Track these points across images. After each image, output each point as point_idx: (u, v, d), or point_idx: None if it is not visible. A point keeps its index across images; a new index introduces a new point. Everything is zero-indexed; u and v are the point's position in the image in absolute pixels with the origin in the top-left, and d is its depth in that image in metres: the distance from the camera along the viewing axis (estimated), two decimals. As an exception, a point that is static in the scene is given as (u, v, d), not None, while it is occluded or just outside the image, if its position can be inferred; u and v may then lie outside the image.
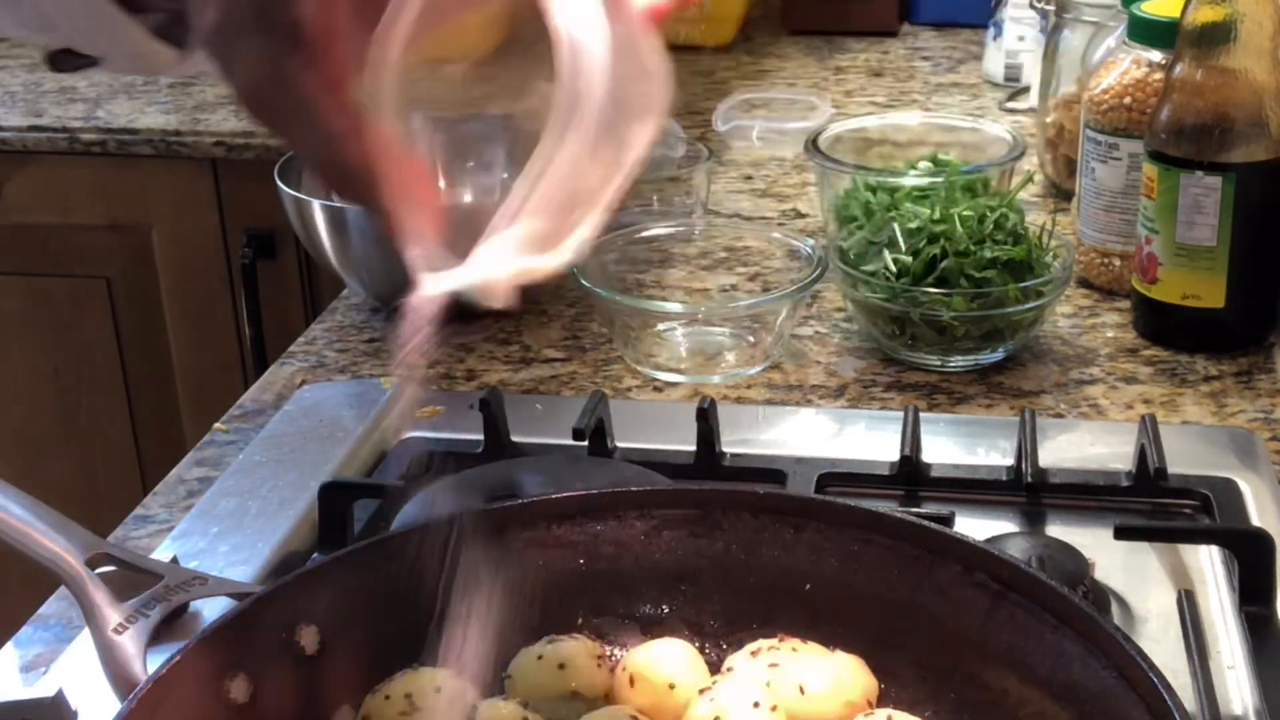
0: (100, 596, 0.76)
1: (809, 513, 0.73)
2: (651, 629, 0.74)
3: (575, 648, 0.71)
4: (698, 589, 0.74)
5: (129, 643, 0.73)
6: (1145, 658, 0.61)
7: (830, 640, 0.71)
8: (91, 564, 0.78)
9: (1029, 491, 0.92)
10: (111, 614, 0.75)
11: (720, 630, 0.74)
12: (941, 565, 0.69)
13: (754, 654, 0.71)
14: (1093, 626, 0.63)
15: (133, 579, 0.78)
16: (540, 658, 0.71)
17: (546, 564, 0.73)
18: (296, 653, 0.67)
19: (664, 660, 0.70)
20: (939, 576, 0.69)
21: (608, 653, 0.73)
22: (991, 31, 1.73)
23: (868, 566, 0.71)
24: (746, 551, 0.73)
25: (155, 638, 0.74)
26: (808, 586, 0.72)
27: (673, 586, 0.74)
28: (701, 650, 0.73)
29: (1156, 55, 1.15)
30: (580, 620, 0.74)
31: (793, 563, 0.72)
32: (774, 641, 0.71)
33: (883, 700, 0.70)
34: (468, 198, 1.33)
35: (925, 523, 0.71)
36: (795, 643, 0.71)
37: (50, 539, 0.79)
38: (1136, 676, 0.60)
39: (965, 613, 0.68)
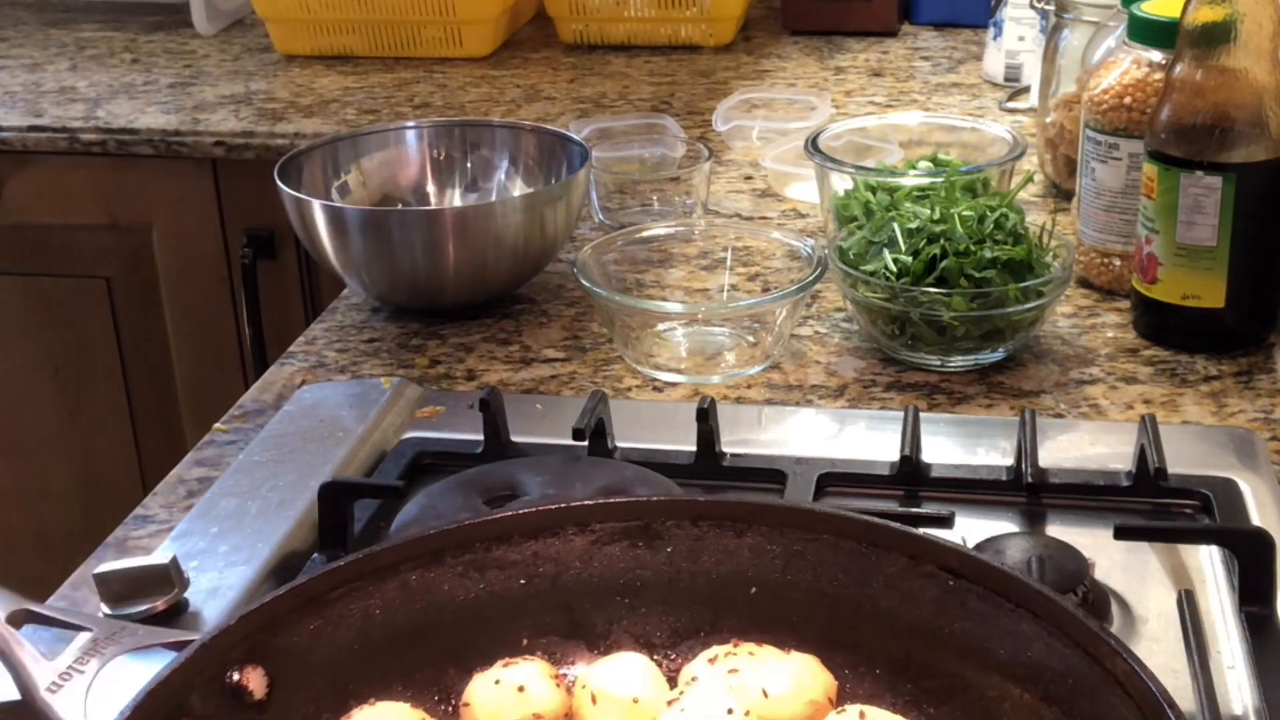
0: (27, 655, 0.72)
1: (749, 516, 0.72)
2: (599, 645, 0.74)
3: (532, 669, 0.70)
4: (642, 601, 0.73)
5: (66, 702, 0.70)
6: (1108, 631, 0.61)
7: (781, 642, 0.71)
8: (13, 622, 0.74)
9: (1029, 491, 0.93)
10: (43, 673, 0.71)
11: (668, 641, 0.74)
12: (887, 559, 0.69)
13: (712, 661, 0.70)
14: (1050, 606, 0.63)
15: (60, 634, 0.75)
16: (498, 682, 0.69)
17: (487, 586, 0.72)
18: (244, 698, 0.65)
19: (624, 676, 0.69)
20: (886, 570, 0.69)
21: (562, 673, 0.72)
22: (991, 31, 1.73)
23: (812, 565, 0.71)
24: (689, 560, 0.72)
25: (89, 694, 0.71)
26: (753, 590, 0.72)
27: (616, 600, 0.73)
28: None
29: (1156, 55, 1.15)
30: (526, 641, 0.73)
31: (736, 568, 0.72)
32: (729, 647, 0.71)
33: (842, 697, 0.70)
34: (468, 198, 1.33)
35: (867, 517, 0.71)
36: (751, 646, 0.70)
37: None
38: (1101, 651, 0.60)
39: (916, 604, 0.68)
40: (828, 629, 0.71)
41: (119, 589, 0.82)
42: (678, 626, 0.73)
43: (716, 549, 0.72)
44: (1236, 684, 0.77)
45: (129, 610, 0.82)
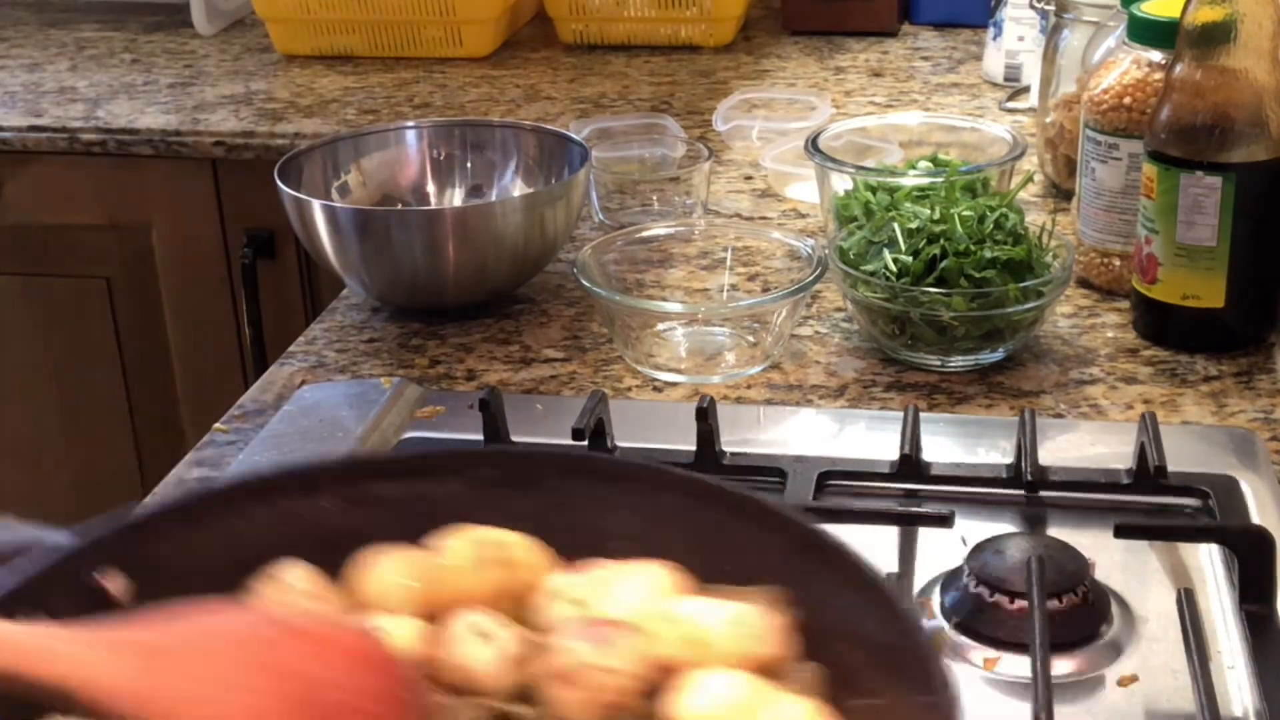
0: None
1: (624, 475, 0.72)
2: None
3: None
4: None
5: None
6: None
7: None
8: None
9: (1029, 491, 0.93)
10: None
11: None
12: (739, 527, 0.69)
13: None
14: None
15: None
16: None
17: (362, 520, 0.71)
18: (105, 603, 0.64)
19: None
20: (737, 540, 0.68)
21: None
22: (991, 31, 1.73)
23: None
24: (558, 512, 0.72)
25: None
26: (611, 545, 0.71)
27: None
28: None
29: (1156, 55, 1.15)
30: None
31: (606, 524, 0.71)
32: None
33: None
34: (468, 198, 1.33)
35: (723, 483, 0.71)
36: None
37: None
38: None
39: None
40: None
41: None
42: None
43: (589, 505, 0.71)
44: (1236, 684, 0.77)
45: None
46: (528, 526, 0.70)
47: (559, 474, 0.73)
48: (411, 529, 0.70)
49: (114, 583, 0.65)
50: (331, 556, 0.69)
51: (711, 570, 0.67)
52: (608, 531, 0.70)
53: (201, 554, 0.68)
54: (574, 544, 0.69)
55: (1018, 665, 0.77)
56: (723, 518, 0.69)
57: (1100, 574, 0.84)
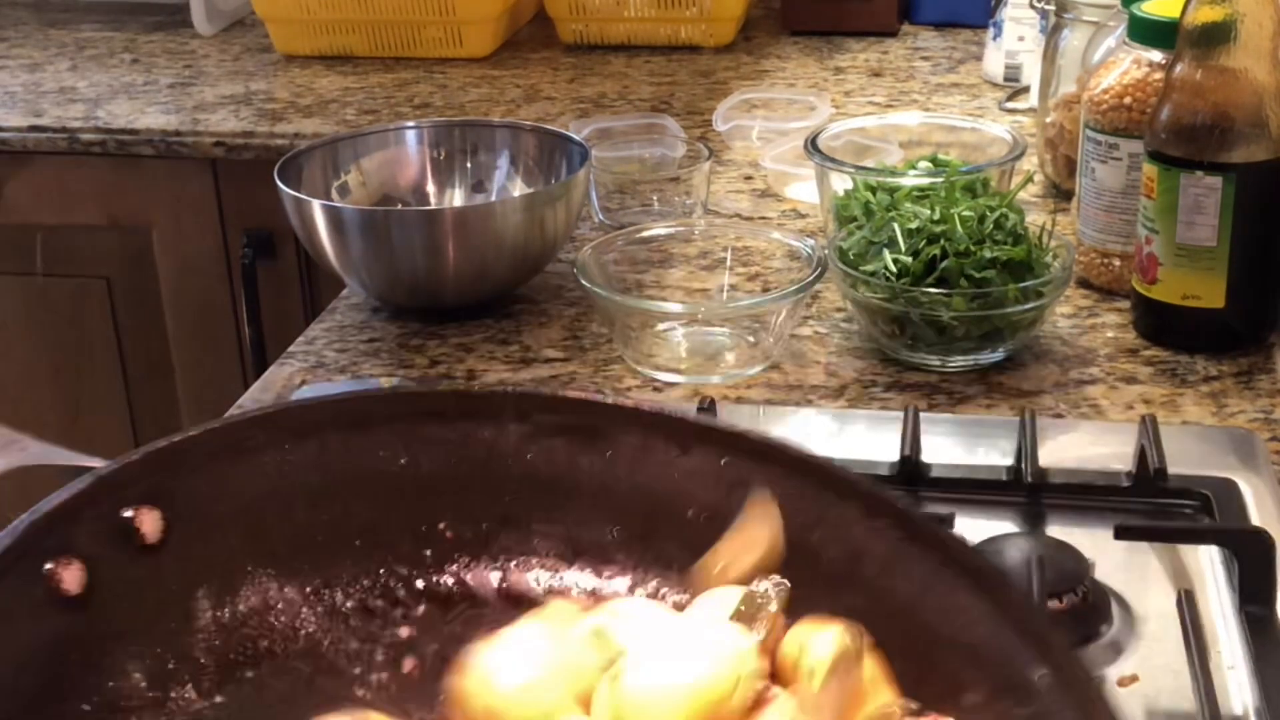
0: None
1: (700, 436, 0.67)
2: (517, 545, 0.67)
3: None
4: (572, 503, 0.67)
5: None
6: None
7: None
8: None
9: (1029, 491, 0.93)
10: None
11: (590, 549, 0.68)
12: (839, 506, 0.64)
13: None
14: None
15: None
16: None
17: (411, 461, 0.66)
18: (135, 539, 0.60)
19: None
20: (834, 517, 0.64)
21: (482, 571, 0.67)
22: (991, 31, 1.73)
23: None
24: (629, 468, 0.66)
25: None
26: (690, 512, 0.66)
27: (544, 498, 0.67)
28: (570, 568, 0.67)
29: (1156, 55, 1.15)
30: (444, 527, 0.67)
31: (676, 486, 0.66)
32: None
33: None
34: (469, 198, 1.33)
35: (826, 460, 0.65)
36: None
37: None
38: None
39: (861, 560, 0.63)
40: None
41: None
42: (603, 537, 0.68)
43: (660, 463, 0.67)
44: (1236, 684, 0.77)
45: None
46: (591, 484, 0.66)
47: (639, 430, 0.67)
48: (462, 471, 0.66)
49: (148, 521, 0.60)
50: (374, 506, 0.65)
51: (804, 548, 0.63)
52: (682, 497, 0.66)
53: (237, 489, 0.63)
54: (639, 507, 0.65)
55: (1018, 665, 0.77)
56: (825, 495, 0.64)
57: (1100, 574, 0.83)
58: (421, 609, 0.66)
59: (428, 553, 0.67)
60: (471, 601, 0.66)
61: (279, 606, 0.64)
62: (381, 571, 0.66)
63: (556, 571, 0.67)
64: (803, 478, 0.64)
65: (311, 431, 0.65)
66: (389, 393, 0.68)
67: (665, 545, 0.66)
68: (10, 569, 0.55)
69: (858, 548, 0.63)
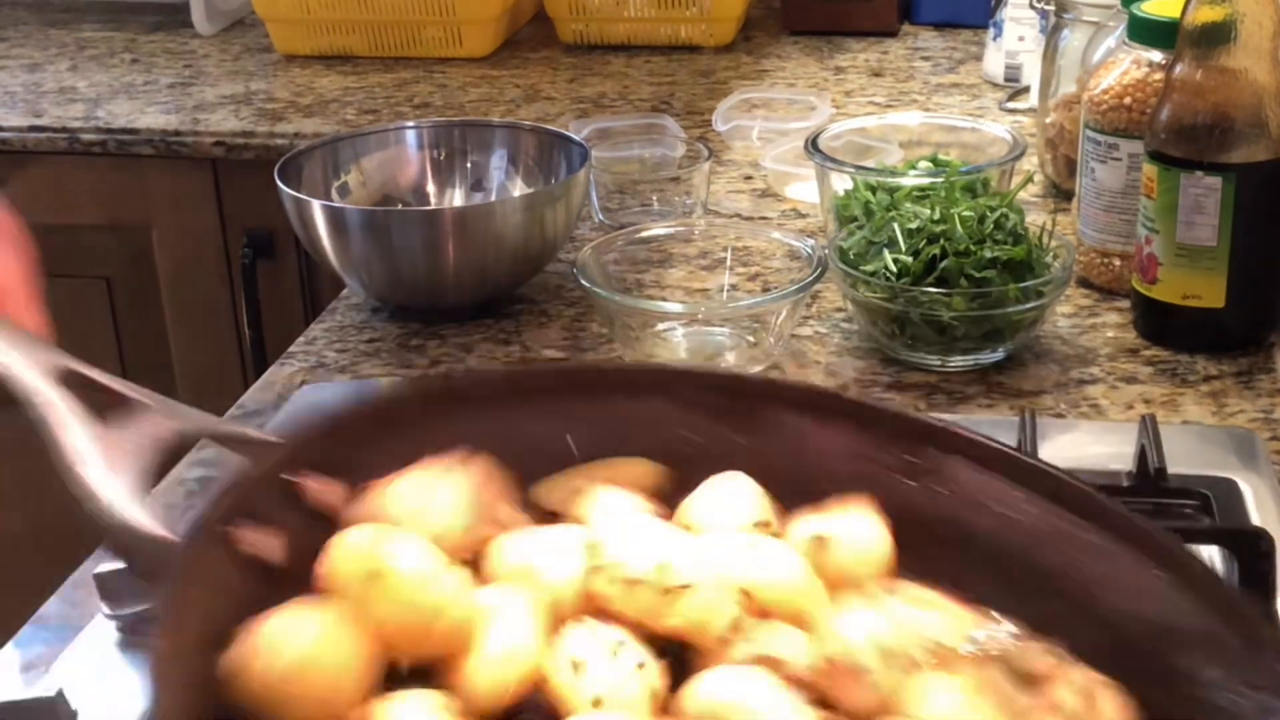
0: (75, 421, 0.62)
1: (849, 412, 0.68)
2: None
3: None
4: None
5: (122, 485, 0.60)
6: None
7: None
8: (63, 381, 0.65)
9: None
10: (91, 450, 0.62)
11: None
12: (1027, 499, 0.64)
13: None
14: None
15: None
16: None
17: (570, 433, 0.67)
18: (326, 513, 0.61)
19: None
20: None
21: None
22: (991, 31, 1.73)
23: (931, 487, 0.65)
24: (782, 450, 0.67)
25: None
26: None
27: (703, 473, 0.67)
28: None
29: (1156, 55, 1.15)
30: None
31: (833, 465, 0.66)
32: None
33: None
34: (469, 198, 1.33)
35: (1011, 450, 0.66)
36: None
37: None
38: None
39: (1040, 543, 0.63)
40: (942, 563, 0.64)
41: (119, 589, 0.82)
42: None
43: (818, 442, 0.67)
44: (1236, 684, 0.76)
45: (130, 610, 0.82)
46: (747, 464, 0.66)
47: (787, 409, 0.68)
48: (609, 447, 0.67)
49: (327, 488, 0.61)
50: (531, 469, 0.65)
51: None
52: (825, 474, 0.66)
53: (405, 462, 0.63)
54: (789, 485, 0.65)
55: (1018, 665, 0.77)
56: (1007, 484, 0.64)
57: (1100, 574, 0.83)
58: None
59: None
60: None
61: None
62: None
63: None
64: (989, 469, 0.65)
65: (475, 406, 0.67)
66: (543, 369, 0.68)
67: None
68: (211, 542, 0.56)
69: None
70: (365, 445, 0.64)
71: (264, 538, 0.58)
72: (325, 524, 0.60)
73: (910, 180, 1.23)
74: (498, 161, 1.33)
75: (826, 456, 0.68)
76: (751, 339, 1.12)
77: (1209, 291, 1.09)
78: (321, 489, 0.61)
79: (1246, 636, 0.57)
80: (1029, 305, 1.06)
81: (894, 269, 1.08)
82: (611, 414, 0.69)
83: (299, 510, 0.61)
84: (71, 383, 0.67)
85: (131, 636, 0.79)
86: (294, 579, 0.57)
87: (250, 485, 0.60)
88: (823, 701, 0.56)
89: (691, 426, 0.68)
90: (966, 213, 1.09)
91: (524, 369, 0.68)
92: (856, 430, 0.68)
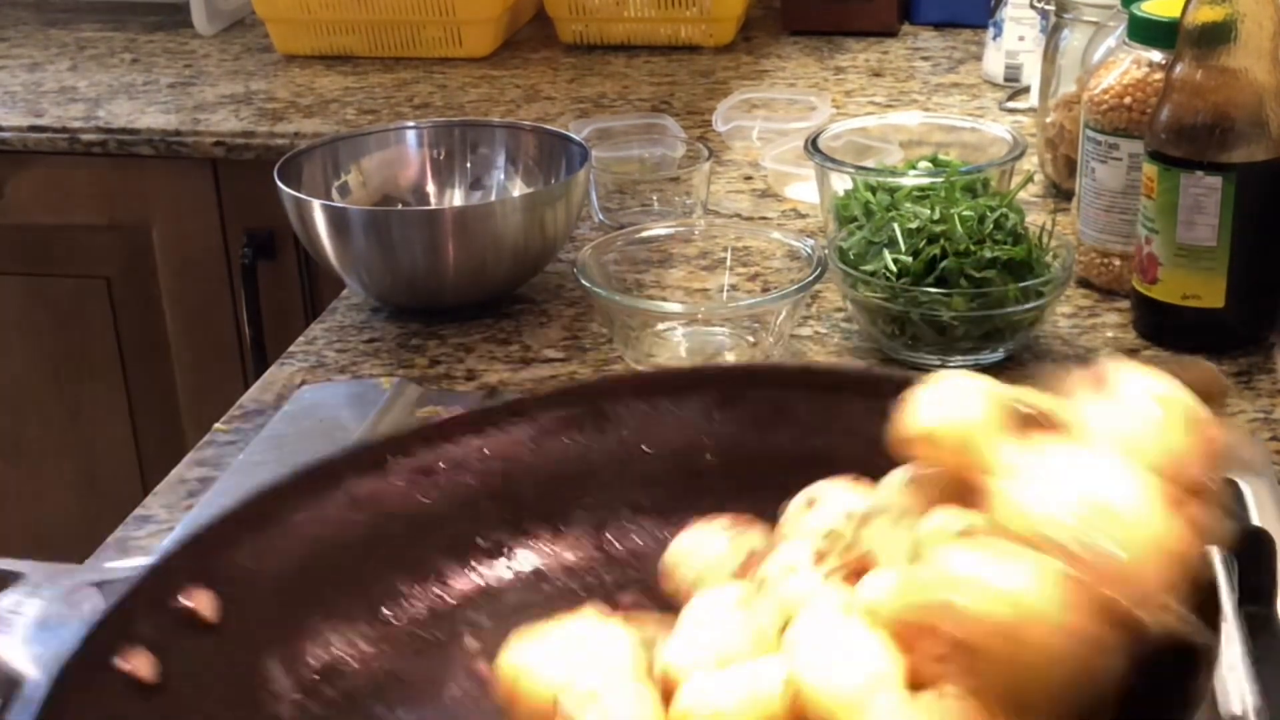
0: None
1: (692, 384, 0.69)
2: (560, 533, 0.70)
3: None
4: (597, 484, 0.69)
5: (10, 645, 0.67)
6: None
7: (755, 505, 0.66)
8: None
9: (1029, 491, 0.92)
10: None
11: (631, 518, 0.70)
12: (843, 401, 0.65)
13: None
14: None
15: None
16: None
17: (436, 489, 0.68)
18: (196, 622, 0.62)
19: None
20: (843, 411, 0.66)
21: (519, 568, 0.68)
22: (991, 31, 1.73)
23: (765, 423, 0.67)
24: (640, 437, 0.69)
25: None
26: (708, 458, 0.68)
27: (570, 488, 0.69)
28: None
29: (1156, 55, 1.15)
30: (481, 541, 0.69)
31: (688, 438, 0.68)
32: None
33: None
34: (468, 198, 1.33)
35: (819, 365, 0.67)
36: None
37: None
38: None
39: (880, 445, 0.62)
40: (793, 484, 0.65)
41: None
42: (640, 504, 0.70)
43: (666, 422, 0.69)
44: (1236, 684, 0.76)
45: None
46: (610, 468, 0.67)
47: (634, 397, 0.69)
48: (483, 490, 0.68)
49: (203, 601, 0.63)
50: (412, 540, 0.66)
51: None
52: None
53: (278, 555, 0.66)
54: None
55: (1018, 665, 0.77)
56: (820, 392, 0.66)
57: (1100, 574, 0.83)
58: None
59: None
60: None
61: (348, 650, 0.66)
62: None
63: None
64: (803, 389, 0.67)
65: (332, 485, 0.68)
66: (396, 431, 0.71)
67: (696, 496, 0.67)
68: (83, 672, 0.57)
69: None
70: (231, 548, 0.65)
71: (137, 659, 0.59)
72: (202, 633, 0.62)
73: (910, 180, 1.23)
74: (498, 161, 1.33)
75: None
76: (751, 339, 1.12)
77: (1209, 292, 1.09)
78: (194, 600, 0.63)
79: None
80: (1029, 305, 1.06)
81: (894, 269, 1.08)
82: (478, 453, 0.70)
83: (175, 624, 0.62)
84: None
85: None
86: (170, 694, 0.58)
87: (122, 610, 0.61)
88: None
89: (554, 448, 0.69)
90: (966, 213, 1.09)
91: (371, 441, 0.69)
92: None
